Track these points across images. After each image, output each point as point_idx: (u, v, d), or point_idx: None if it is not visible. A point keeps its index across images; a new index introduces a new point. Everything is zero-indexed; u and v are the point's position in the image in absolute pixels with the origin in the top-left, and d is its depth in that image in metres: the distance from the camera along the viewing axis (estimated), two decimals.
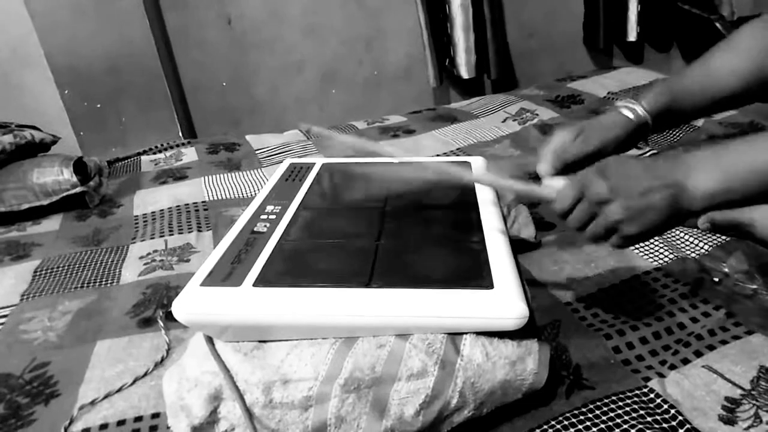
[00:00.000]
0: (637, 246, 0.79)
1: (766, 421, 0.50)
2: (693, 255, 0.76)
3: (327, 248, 0.62)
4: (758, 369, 0.56)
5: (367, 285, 0.54)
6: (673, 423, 0.52)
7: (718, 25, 1.81)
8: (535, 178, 0.69)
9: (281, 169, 0.87)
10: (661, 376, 0.57)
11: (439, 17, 1.85)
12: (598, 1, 1.97)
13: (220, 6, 1.71)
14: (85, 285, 0.85)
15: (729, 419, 0.51)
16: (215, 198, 1.13)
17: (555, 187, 0.57)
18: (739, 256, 0.72)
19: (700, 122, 1.21)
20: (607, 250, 0.79)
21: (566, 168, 0.68)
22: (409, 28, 1.88)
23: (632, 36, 2.00)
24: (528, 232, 0.83)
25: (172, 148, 1.49)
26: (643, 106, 0.71)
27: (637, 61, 2.17)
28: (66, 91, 1.64)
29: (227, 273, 0.57)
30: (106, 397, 0.61)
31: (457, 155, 1.24)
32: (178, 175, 1.28)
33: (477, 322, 0.52)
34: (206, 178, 1.23)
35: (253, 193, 1.14)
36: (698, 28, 1.96)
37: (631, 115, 0.70)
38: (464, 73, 1.90)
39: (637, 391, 0.56)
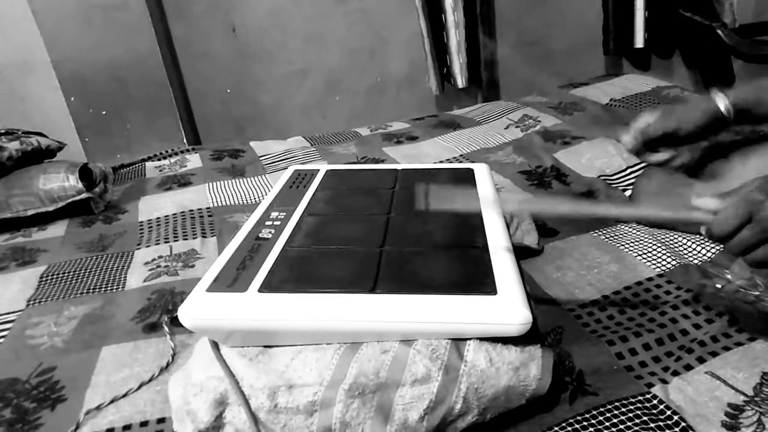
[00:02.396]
0: (640, 253, 0.80)
1: None
2: (696, 262, 0.76)
3: (331, 254, 0.63)
4: (761, 375, 0.56)
5: (372, 291, 0.55)
6: (676, 429, 0.52)
7: (720, 32, 1.81)
8: None
9: (286, 175, 0.87)
10: (664, 382, 0.58)
11: (439, 25, 1.87)
12: (608, 8, 1.99)
13: (225, 15, 1.73)
14: (91, 291, 0.85)
15: (732, 426, 0.52)
16: (220, 204, 1.13)
17: (710, 208, 0.53)
18: (741, 263, 0.72)
19: None
20: (610, 256, 0.80)
21: (647, 144, 0.74)
22: (412, 36, 1.90)
23: (639, 42, 2.01)
24: (531, 238, 0.83)
25: (176, 154, 1.50)
26: (728, 98, 0.72)
27: (644, 67, 2.17)
28: (72, 99, 1.65)
29: (233, 279, 0.57)
30: (112, 402, 0.61)
31: (460, 162, 1.24)
32: (182, 181, 1.29)
33: (480, 327, 0.52)
34: (210, 184, 1.24)
35: (257, 200, 1.15)
36: (700, 36, 1.97)
37: (713, 103, 0.72)
38: (459, 82, 1.91)
39: (640, 397, 0.56)
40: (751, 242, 0.50)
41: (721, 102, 0.72)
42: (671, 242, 0.82)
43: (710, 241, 0.57)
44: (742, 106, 0.72)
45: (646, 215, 0.70)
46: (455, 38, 1.85)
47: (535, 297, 0.70)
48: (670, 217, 0.60)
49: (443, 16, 1.84)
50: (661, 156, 0.77)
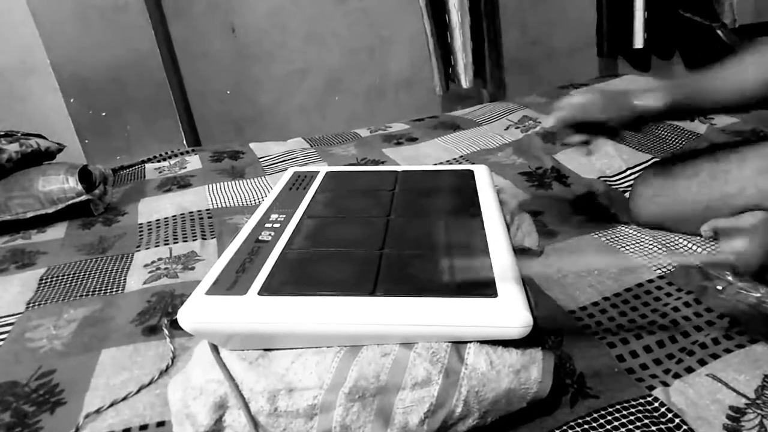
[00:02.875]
0: (640, 255, 0.79)
1: None
2: (697, 263, 0.76)
3: (331, 257, 0.63)
4: (762, 378, 0.56)
5: (372, 293, 0.55)
6: None
7: (719, 32, 1.81)
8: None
9: (285, 177, 0.87)
10: (666, 384, 0.57)
11: (444, 25, 1.87)
12: (602, 9, 1.99)
13: (224, 16, 1.72)
14: (91, 293, 0.85)
15: (734, 429, 0.51)
16: (219, 206, 1.13)
17: (735, 249, 0.56)
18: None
19: (702, 129, 1.21)
20: (610, 258, 0.79)
21: (574, 126, 0.77)
22: (412, 36, 1.89)
23: (639, 43, 2.01)
24: (531, 240, 0.83)
25: (176, 156, 1.50)
26: (659, 92, 0.75)
27: (644, 68, 2.17)
28: (72, 100, 1.65)
29: (232, 281, 0.57)
30: (111, 405, 0.61)
31: (460, 163, 1.24)
32: (182, 183, 1.29)
33: (481, 330, 0.52)
34: (210, 186, 1.24)
35: (256, 201, 1.15)
36: (700, 36, 1.97)
37: (645, 102, 0.75)
38: (464, 82, 1.91)
39: (641, 400, 0.56)
40: None
41: (655, 101, 0.75)
42: (672, 244, 0.81)
43: (739, 277, 0.62)
44: (672, 101, 0.75)
45: (678, 261, 0.73)
46: (459, 38, 1.84)
47: (536, 300, 0.70)
48: (701, 263, 0.67)
49: (447, 16, 1.83)
50: (575, 138, 0.80)
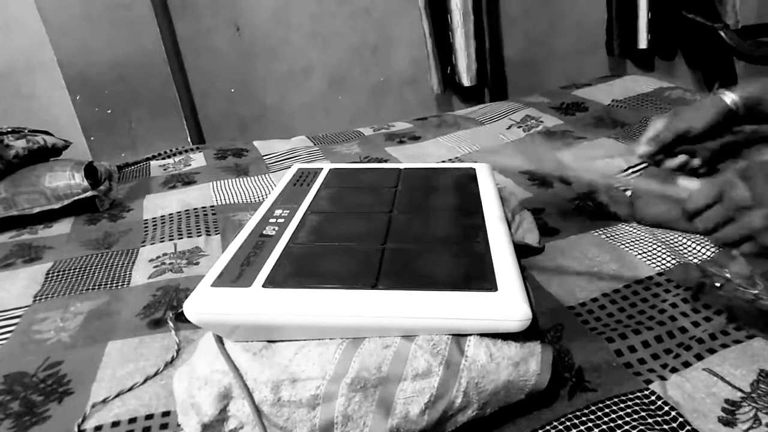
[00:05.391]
0: (639, 252, 0.80)
1: (766, 423, 0.51)
2: (695, 260, 0.77)
3: (334, 251, 0.64)
4: (758, 372, 0.57)
5: (374, 287, 0.56)
6: (674, 425, 0.52)
7: (722, 33, 1.82)
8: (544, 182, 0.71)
9: (289, 173, 0.88)
10: (663, 378, 0.58)
11: (442, 25, 1.88)
12: (612, 9, 2.00)
13: (229, 14, 1.73)
14: (97, 287, 0.86)
15: (729, 421, 0.52)
16: (223, 203, 1.14)
17: (689, 188, 0.55)
18: (740, 262, 0.73)
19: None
20: (610, 255, 0.80)
21: (663, 149, 0.76)
22: (415, 35, 1.90)
23: (643, 43, 2.02)
24: (532, 237, 0.84)
25: (180, 153, 1.51)
26: (736, 95, 0.74)
27: (648, 68, 2.18)
28: (77, 97, 1.67)
29: (237, 274, 0.58)
30: (117, 395, 0.62)
31: (462, 161, 1.25)
32: (186, 180, 1.30)
33: (481, 323, 0.53)
34: (214, 183, 1.25)
35: (260, 198, 1.16)
36: (703, 37, 1.97)
37: (722, 101, 0.74)
38: (465, 80, 1.92)
39: (638, 394, 0.57)
40: (717, 219, 0.52)
41: (729, 98, 0.74)
42: (671, 241, 0.82)
43: (686, 218, 0.59)
44: (749, 103, 0.74)
45: (629, 184, 0.72)
46: (461, 37, 1.85)
47: (536, 295, 0.71)
48: (655, 190, 0.62)
49: (449, 16, 1.84)
50: (678, 160, 0.78)
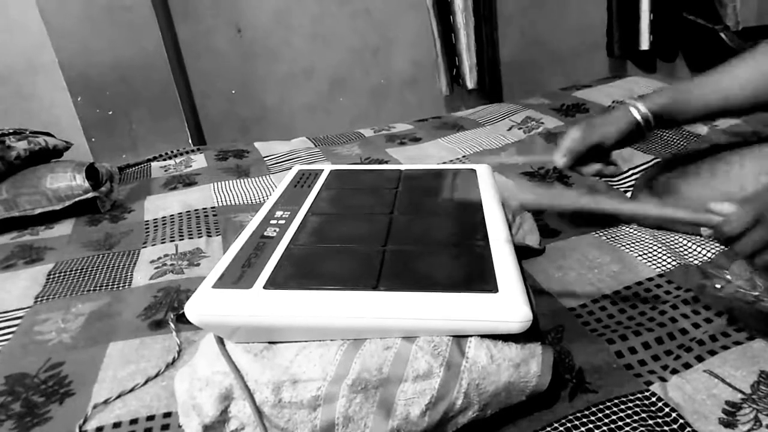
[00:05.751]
0: (640, 253, 0.80)
1: (766, 424, 0.51)
2: (695, 262, 0.77)
3: (335, 252, 0.64)
4: (759, 374, 0.57)
5: (375, 288, 0.56)
6: (675, 426, 0.52)
7: (723, 35, 1.82)
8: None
9: (290, 175, 0.88)
10: (663, 380, 0.58)
11: (448, 26, 1.88)
12: (612, 11, 2.00)
13: (230, 16, 1.74)
14: (98, 288, 0.86)
15: (729, 423, 0.52)
16: (224, 204, 1.15)
17: (724, 212, 0.55)
18: (741, 264, 0.73)
19: (703, 131, 1.22)
20: (610, 256, 0.80)
21: (579, 160, 0.79)
22: (416, 37, 1.91)
23: (645, 45, 2.02)
24: (533, 238, 0.84)
25: (181, 154, 1.51)
26: (644, 105, 0.77)
27: (650, 70, 2.18)
28: (79, 99, 1.67)
29: (238, 276, 0.58)
30: (119, 396, 0.62)
31: (463, 163, 1.25)
32: (187, 181, 1.30)
33: (482, 324, 0.53)
34: (215, 184, 1.25)
35: (261, 200, 1.16)
36: (703, 39, 1.97)
37: (631, 112, 0.77)
38: (469, 83, 1.92)
39: (639, 395, 0.57)
40: (758, 244, 0.52)
41: (637, 112, 0.76)
42: (671, 243, 0.82)
43: (717, 242, 0.60)
44: (659, 112, 0.77)
45: (656, 214, 0.72)
46: (464, 39, 1.85)
47: (536, 296, 0.71)
48: (684, 218, 0.63)
49: (452, 17, 1.85)
50: (592, 168, 0.81)
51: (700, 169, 0.83)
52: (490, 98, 2.05)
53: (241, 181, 1.27)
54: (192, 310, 0.55)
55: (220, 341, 0.57)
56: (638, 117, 0.76)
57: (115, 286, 0.87)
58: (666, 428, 0.52)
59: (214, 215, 1.09)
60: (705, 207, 0.57)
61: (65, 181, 1.16)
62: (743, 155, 0.80)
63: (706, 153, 0.86)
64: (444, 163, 1.26)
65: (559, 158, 0.80)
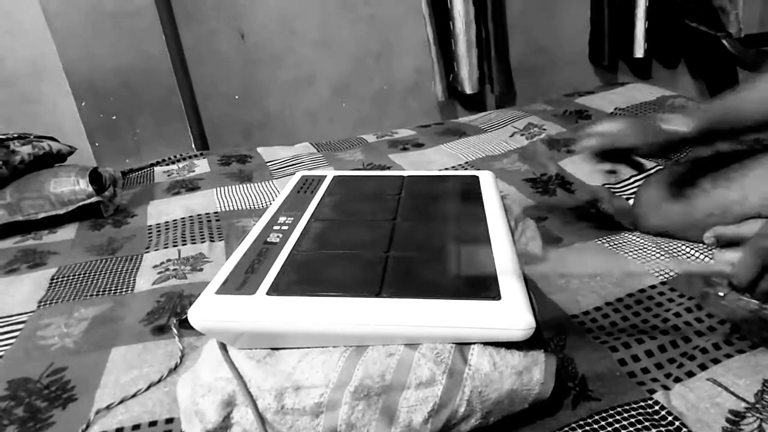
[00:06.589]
0: (643, 261, 0.80)
1: None
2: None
3: (338, 259, 0.64)
4: (762, 383, 0.56)
5: (377, 295, 0.56)
6: None
7: (725, 42, 1.82)
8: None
9: (293, 181, 0.89)
10: (666, 388, 0.58)
11: (446, 32, 1.89)
12: (603, 18, 2.00)
13: (234, 21, 1.75)
14: (101, 293, 0.87)
15: None
16: (227, 209, 1.15)
17: (729, 260, 0.55)
18: None
19: None
20: (613, 263, 0.80)
21: (603, 154, 0.78)
22: (418, 43, 1.91)
23: (639, 52, 2.02)
24: (535, 246, 0.84)
25: (184, 159, 1.52)
26: (689, 125, 0.75)
27: (645, 76, 2.18)
28: (83, 104, 1.68)
29: (241, 282, 0.59)
30: (121, 402, 0.62)
31: (466, 169, 1.25)
32: (190, 186, 1.31)
33: (484, 332, 0.53)
34: (218, 189, 1.26)
35: (264, 205, 1.16)
36: (706, 46, 1.97)
37: (674, 126, 0.75)
38: (467, 88, 1.92)
39: (642, 403, 0.57)
40: None
41: (684, 126, 0.75)
42: (674, 251, 0.82)
43: (738, 291, 0.61)
44: (705, 128, 0.75)
45: (675, 267, 0.74)
46: (464, 45, 1.86)
47: (539, 304, 0.71)
48: (697, 271, 0.64)
49: (451, 23, 1.85)
50: (607, 166, 0.81)
51: (702, 177, 0.83)
52: (498, 103, 2.05)
53: (244, 186, 1.27)
54: (195, 315, 0.55)
55: (223, 347, 0.57)
56: (678, 131, 0.75)
57: (118, 290, 0.87)
58: None
59: (217, 220, 1.10)
60: (712, 258, 0.58)
61: (69, 186, 1.16)
62: (745, 163, 0.80)
63: (709, 160, 0.86)
64: (447, 169, 1.26)
65: (586, 146, 0.79)
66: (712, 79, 2.11)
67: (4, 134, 1.23)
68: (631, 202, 1.02)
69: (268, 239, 0.68)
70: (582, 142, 0.80)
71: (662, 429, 0.53)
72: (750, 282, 0.53)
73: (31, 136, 1.28)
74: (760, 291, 0.53)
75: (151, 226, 1.11)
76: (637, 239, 0.87)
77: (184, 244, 1.01)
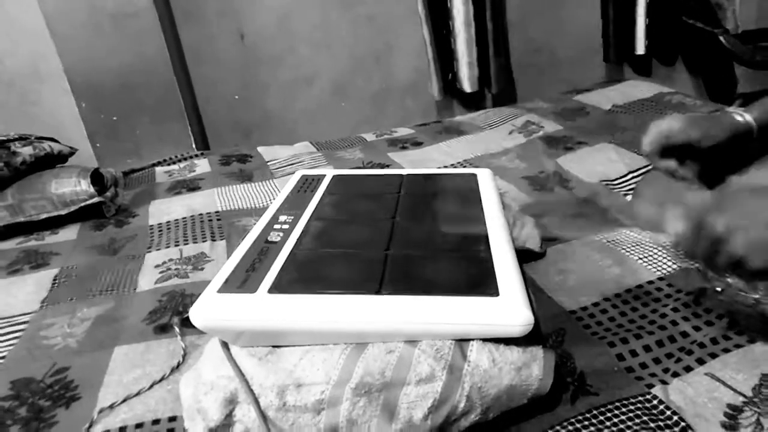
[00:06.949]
0: (641, 257, 0.81)
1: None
2: (696, 265, 0.77)
3: (338, 257, 0.65)
4: (760, 377, 0.57)
5: (377, 292, 0.56)
6: (676, 429, 0.53)
7: (722, 39, 1.82)
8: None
9: (293, 180, 0.89)
10: (664, 383, 0.59)
11: (443, 32, 1.89)
12: (608, 16, 2.01)
13: (233, 22, 1.75)
14: (103, 292, 0.87)
15: (731, 426, 0.53)
16: (228, 208, 1.15)
17: (676, 231, 0.58)
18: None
19: None
20: (611, 259, 0.81)
21: (667, 151, 0.75)
22: (417, 43, 1.92)
23: (641, 49, 2.03)
24: (534, 242, 0.84)
25: (185, 159, 1.52)
26: (751, 115, 0.73)
27: (645, 74, 2.19)
28: (83, 105, 1.68)
29: (243, 280, 0.59)
30: (124, 401, 0.63)
31: (464, 167, 1.26)
32: (191, 185, 1.31)
33: (483, 328, 0.54)
34: (219, 189, 1.26)
35: (264, 204, 1.17)
36: (703, 42, 1.98)
37: (738, 119, 0.73)
38: (467, 86, 1.93)
39: (640, 398, 0.57)
40: (705, 256, 0.55)
41: (741, 118, 0.73)
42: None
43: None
44: (764, 123, 0.73)
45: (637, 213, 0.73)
46: (463, 44, 1.86)
47: (538, 299, 0.72)
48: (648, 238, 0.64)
49: (450, 22, 1.86)
50: (671, 164, 0.78)
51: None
52: (497, 101, 2.05)
53: (245, 185, 1.28)
54: (197, 314, 0.55)
55: (225, 345, 0.57)
56: (740, 125, 0.73)
57: (120, 290, 0.88)
58: (667, 431, 0.53)
59: (218, 220, 1.10)
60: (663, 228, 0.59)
61: (70, 187, 1.17)
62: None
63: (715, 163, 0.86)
64: (445, 167, 1.26)
65: (647, 143, 0.76)
66: (710, 76, 2.12)
67: (4, 135, 1.23)
68: (628, 198, 1.02)
69: (269, 238, 0.69)
70: (645, 139, 0.77)
71: (660, 423, 0.54)
72: (705, 258, 0.55)
73: (32, 137, 1.28)
74: (719, 266, 0.54)
75: (152, 225, 1.12)
76: (636, 235, 0.87)
77: (185, 244, 1.01)
